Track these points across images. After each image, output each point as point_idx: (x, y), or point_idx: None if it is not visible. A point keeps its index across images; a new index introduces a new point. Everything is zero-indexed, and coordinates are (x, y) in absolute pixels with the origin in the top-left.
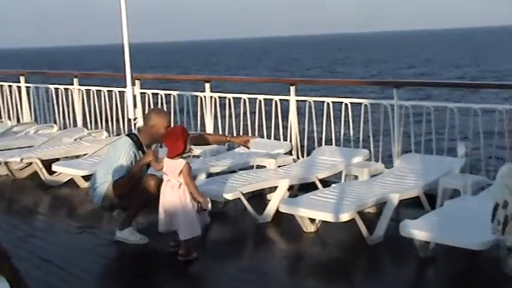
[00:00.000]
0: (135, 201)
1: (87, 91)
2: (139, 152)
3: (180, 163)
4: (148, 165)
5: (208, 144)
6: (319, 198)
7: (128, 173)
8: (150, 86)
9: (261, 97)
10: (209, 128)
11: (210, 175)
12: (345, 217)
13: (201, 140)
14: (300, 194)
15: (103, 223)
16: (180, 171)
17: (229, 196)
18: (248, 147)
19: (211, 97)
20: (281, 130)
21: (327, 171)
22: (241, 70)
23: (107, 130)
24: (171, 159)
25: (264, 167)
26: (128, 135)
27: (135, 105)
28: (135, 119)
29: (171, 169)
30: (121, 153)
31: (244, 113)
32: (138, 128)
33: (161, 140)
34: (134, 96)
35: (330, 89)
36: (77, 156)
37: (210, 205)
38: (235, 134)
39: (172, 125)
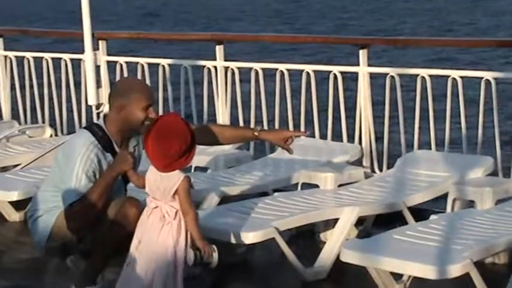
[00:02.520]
0: (101, 241)
1: (19, 60)
2: (108, 154)
3: (175, 177)
4: (125, 178)
5: (221, 143)
6: (410, 240)
7: (89, 193)
8: (124, 50)
9: (309, 68)
10: (222, 118)
11: (224, 199)
12: (454, 271)
13: (209, 136)
14: (377, 232)
15: (47, 278)
16: (175, 191)
17: (256, 236)
18: (289, 151)
19: (225, 69)
20: (344, 124)
21: (424, 194)
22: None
23: (52, 125)
24: (161, 171)
25: (316, 186)
26: (86, 127)
27: (98, 84)
28: (99, 107)
29: (161, 188)
30: (76, 160)
31: (281, 95)
32: (104, 116)
33: (141, 131)
34: (97, 68)
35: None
36: (3, 169)
37: (216, 257)
38: (266, 127)
39: (160, 112)
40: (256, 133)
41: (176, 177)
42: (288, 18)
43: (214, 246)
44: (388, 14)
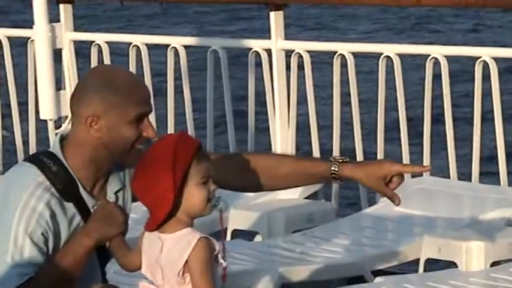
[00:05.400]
0: None
1: None
2: (69, 205)
3: (182, 241)
4: (102, 253)
5: (274, 187)
6: None
7: (42, 274)
8: (104, 22)
9: (442, 52)
10: (281, 139)
11: None
12: None
13: (249, 173)
14: None
15: None
16: (184, 266)
17: None
18: (395, 201)
19: (288, 54)
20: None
21: None
22: None
23: None
24: (153, 229)
25: (454, 265)
26: (31, 159)
27: (58, 83)
28: (58, 124)
29: (162, 263)
30: (13, 215)
31: (390, 99)
32: (62, 139)
33: (128, 163)
34: (57, 54)
35: None
36: None
37: None
38: (359, 157)
39: (169, 129)
40: (335, 167)
41: (185, 241)
42: None
43: None
44: None
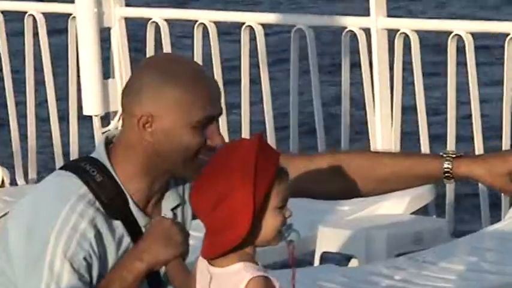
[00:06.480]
0: None
1: None
2: (117, 223)
3: (236, 277)
4: (154, 280)
5: (368, 192)
6: None
7: None
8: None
9: None
10: (382, 133)
11: None
12: None
13: (339, 176)
14: None
15: None
16: None
17: None
18: None
19: (391, 34)
20: None
21: None
22: None
23: (4, 163)
24: (207, 258)
25: None
26: (71, 167)
27: (106, 72)
28: (106, 121)
29: None
30: (50, 235)
31: None
32: (108, 141)
33: (189, 175)
34: (105, 34)
35: None
36: None
37: None
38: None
39: (244, 134)
40: (448, 164)
41: (234, 280)
42: None
43: None
44: None
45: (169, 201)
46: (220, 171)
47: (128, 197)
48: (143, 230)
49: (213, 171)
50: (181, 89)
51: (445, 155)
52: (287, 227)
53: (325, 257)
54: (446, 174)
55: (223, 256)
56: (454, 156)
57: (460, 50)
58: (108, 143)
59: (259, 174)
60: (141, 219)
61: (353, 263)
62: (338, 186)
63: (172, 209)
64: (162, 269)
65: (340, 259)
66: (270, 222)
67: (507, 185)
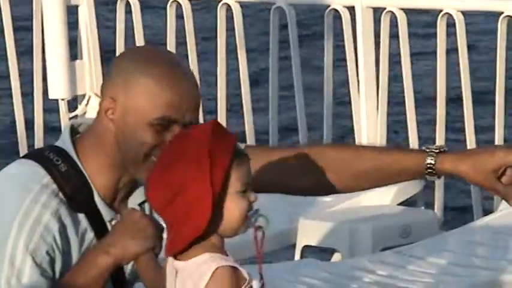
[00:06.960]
0: None
1: None
2: (80, 216)
3: (198, 273)
4: (118, 277)
5: (347, 188)
6: None
7: None
8: None
9: None
10: (367, 133)
11: None
12: None
13: (316, 170)
14: None
15: None
16: None
17: None
18: (511, 202)
19: (375, 11)
20: None
21: None
22: None
23: None
24: (169, 254)
25: None
26: (33, 156)
27: (75, 53)
28: (73, 106)
29: None
30: (11, 226)
31: None
32: (74, 129)
33: (138, 175)
34: (73, 10)
35: None
36: None
37: None
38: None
39: (202, 119)
40: (431, 160)
41: (199, 272)
42: None
43: None
44: None
45: (135, 197)
46: (175, 160)
47: (93, 188)
48: (108, 225)
49: (167, 162)
50: (149, 80)
51: (428, 150)
52: (253, 212)
53: (307, 251)
54: (428, 170)
55: (188, 250)
56: (437, 151)
57: (451, 27)
58: (75, 131)
59: (214, 160)
60: (106, 214)
61: (336, 257)
62: (312, 181)
63: (140, 204)
64: (128, 268)
65: (322, 253)
66: (232, 208)
67: (491, 182)
